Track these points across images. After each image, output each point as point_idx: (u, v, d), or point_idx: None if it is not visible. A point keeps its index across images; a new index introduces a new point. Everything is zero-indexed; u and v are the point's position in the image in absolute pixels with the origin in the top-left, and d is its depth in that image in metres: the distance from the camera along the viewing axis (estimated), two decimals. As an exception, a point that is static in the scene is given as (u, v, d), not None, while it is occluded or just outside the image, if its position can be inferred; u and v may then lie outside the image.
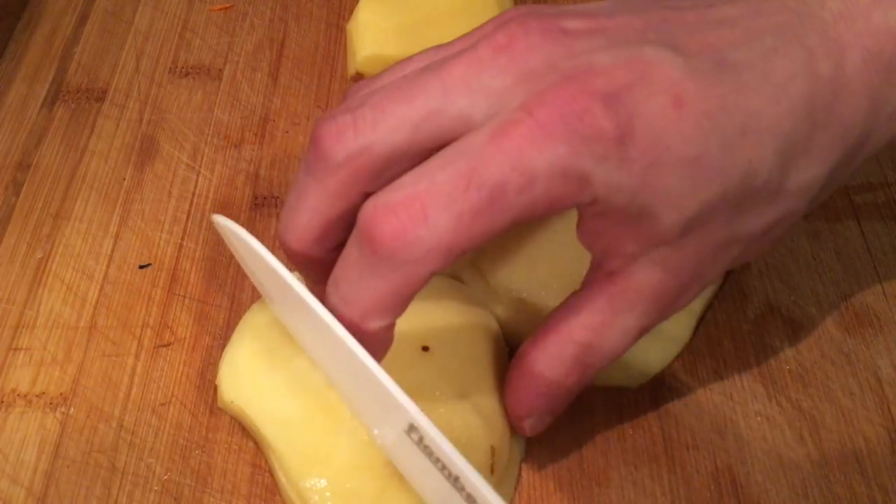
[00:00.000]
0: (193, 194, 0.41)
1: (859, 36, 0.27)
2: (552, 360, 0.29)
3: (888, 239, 0.38)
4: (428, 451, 0.26)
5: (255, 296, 0.37)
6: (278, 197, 0.41)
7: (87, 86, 0.46)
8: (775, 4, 0.27)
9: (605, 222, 0.27)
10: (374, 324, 0.26)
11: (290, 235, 0.29)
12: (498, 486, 0.30)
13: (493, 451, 0.30)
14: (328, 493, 0.30)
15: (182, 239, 0.40)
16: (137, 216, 0.40)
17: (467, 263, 0.36)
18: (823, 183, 0.28)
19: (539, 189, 0.24)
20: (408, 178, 0.25)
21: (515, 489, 0.32)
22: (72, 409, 0.35)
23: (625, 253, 0.27)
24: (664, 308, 0.29)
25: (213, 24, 0.48)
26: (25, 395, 0.35)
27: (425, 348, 0.31)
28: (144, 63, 0.47)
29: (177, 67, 0.46)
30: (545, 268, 0.35)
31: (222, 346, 0.34)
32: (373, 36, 0.39)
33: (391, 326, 0.27)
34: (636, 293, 0.28)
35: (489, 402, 0.31)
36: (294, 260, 0.29)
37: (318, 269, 0.29)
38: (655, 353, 0.34)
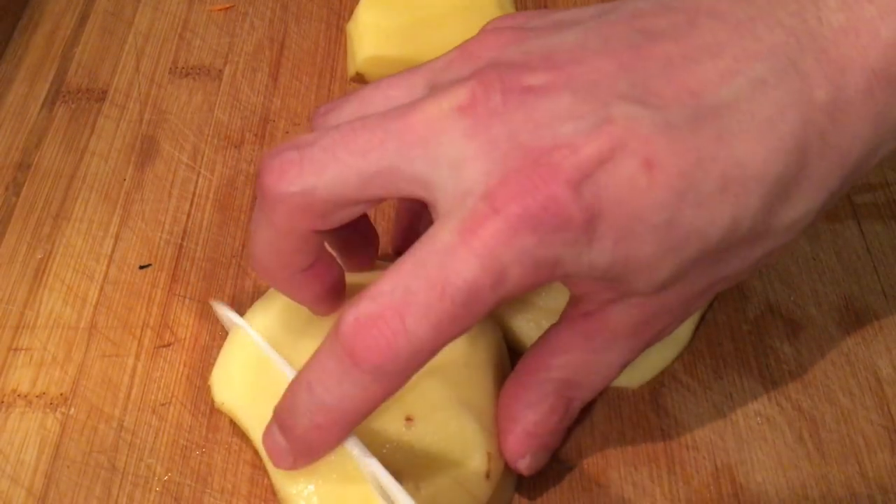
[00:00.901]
0: (193, 195, 0.41)
1: (863, 53, 0.25)
2: (535, 400, 0.29)
3: (888, 239, 0.38)
4: None
5: (255, 296, 0.37)
6: (278, 197, 0.41)
7: (87, 86, 0.46)
8: (768, 22, 0.25)
9: (581, 286, 0.27)
10: (345, 428, 0.27)
11: (254, 263, 0.29)
12: (496, 493, 0.30)
13: (489, 457, 0.30)
14: (314, 499, 0.29)
15: (182, 239, 0.40)
16: (137, 216, 0.40)
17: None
18: (819, 212, 0.27)
19: (511, 282, 0.24)
20: (383, 286, 0.24)
21: (515, 491, 0.32)
22: (72, 410, 0.35)
23: (601, 298, 0.27)
24: (646, 341, 0.29)
25: (213, 25, 0.48)
26: (25, 396, 0.35)
27: None
28: (144, 63, 0.47)
29: (177, 68, 0.46)
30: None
31: (222, 347, 0.34)
32: (373, 36, 0.39)
33: (350, 432, 0.28)
34: (613, 333, 0.28)
35: (487, 407, 0.31)
36: (267, 281, 0.30)
37: (292, 287, 0.30)
38: (655, 353, 0.34)
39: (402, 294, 0.24)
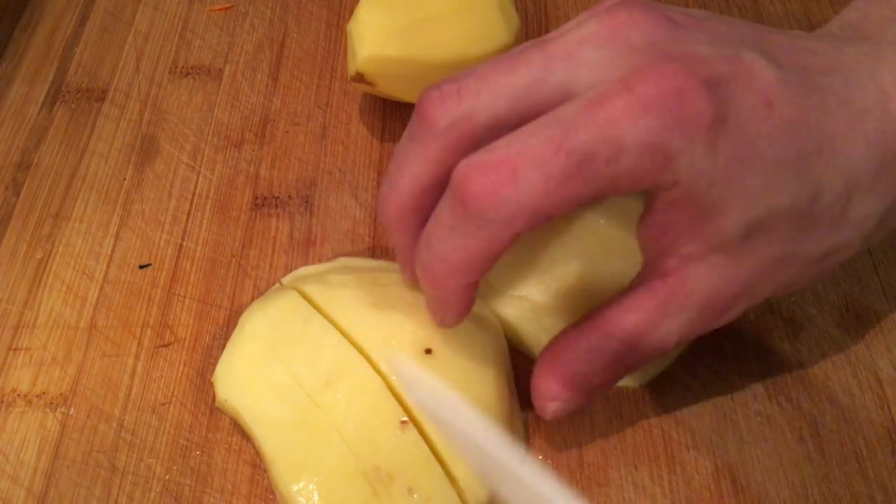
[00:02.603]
0: (193, 194, 0.41)
1: None
2: (590, 352, 0.29)
3: (888, 239, 0.38)
4: None
5: (255, 295, 0.37)
6: (278, 197, 0.41)
7: (87, 86, 0.46)
8: (854, 48, 0.28)
9: (673, 214, 0.27)
10: (460, 281, 0.28)
11: (390, 202, 0.29)
12: (491, 496, 0.30)
13: None
14: (316, 498, 0.29)
15: (182, 239, 0.40)
16: (137, 216, 0.40)
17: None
18: (878, 221, 0.28)
19: (626, 162, 0.25)
20: (501, 142, 0.26)
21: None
22: (72, 409, 0.35)
23: (684, 253, 0.28)
24: (710, 318, 0.29)
25: (213, 25, 0.48)
26: (25, 395, 0.35)
27: (428, 351, 0.31)
28: (144, 63, 0.47)
29: (177, 68, 0.46)
30: (548, 270, 0.35)
31: (222, 346, 0.34)
32: (373, 36, 0.39)
33: (475, 285, 0.28)
34: (687, 298, 0.28)
35: (489, 406, 0.31)
36: (390, 230, 0.30)
37: (409, 241, 0.30)
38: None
39: (519, 147, 0.25)
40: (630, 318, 0.29)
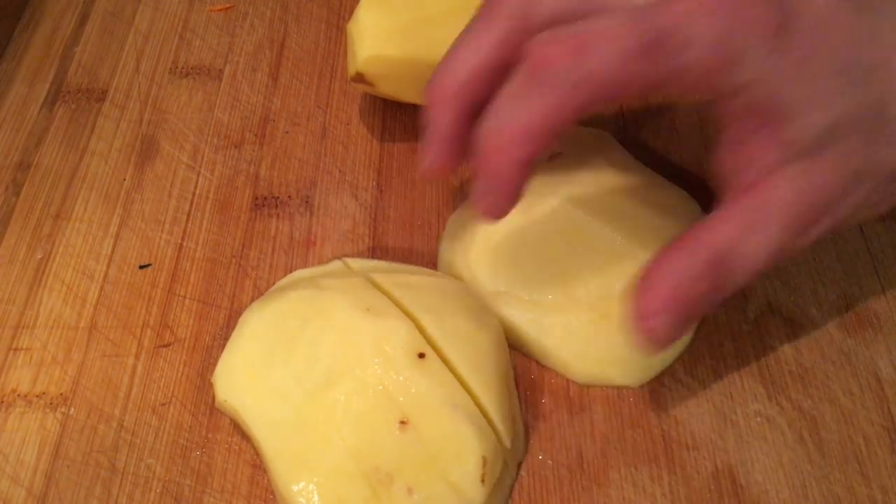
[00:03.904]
0: (193, 194, 0.41)
1: None
2: (683, 265, 0.28)
3: (888, 239, 0.38)
4: None
5: (255, 295, 0.37)
6: (278, 197, 0.41)
7: (87, 86, 0.46)
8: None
9: (746, 126, 0.28)
10: (520, 152, 0.28)
11: (443, 78, 0.30)
12: (490, 497, 0.30)
13: (484, 461, 0.30)
14: (316, 498, 0.29)
15: (182, 239, 0.40)
16: (137, 216, 0.41)
17: (468, 264, 0.36)
18: None
19: (694, 53, 0.25)
20: (575, 23, 0.26)
21: (512, 493, 0.32)
22: (72, 410, 0.35)
23: (765, 163, 0.28)
24: (796, 233, 0.29)
25: (213, 25, 0.48)
26: (25, 396, 0.35)
27: (421, 356, 0.31)
28: (144, 63, 0.47)
29: (177, 68, 0.46)
30: (549, 270, 0.35)
31: (222, 346, 0.34)
32: (373, 36, 0.39)
33: (531, 165, 0.28)
34: (774, 206, 0.28)
35: (487, 407, 0.31)
36: (436, 107, 0.30)
37: (451, 120, 0.30)
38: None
39: (594, 26, 0.26)
40: (718, 233, 0.28)
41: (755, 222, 0.28)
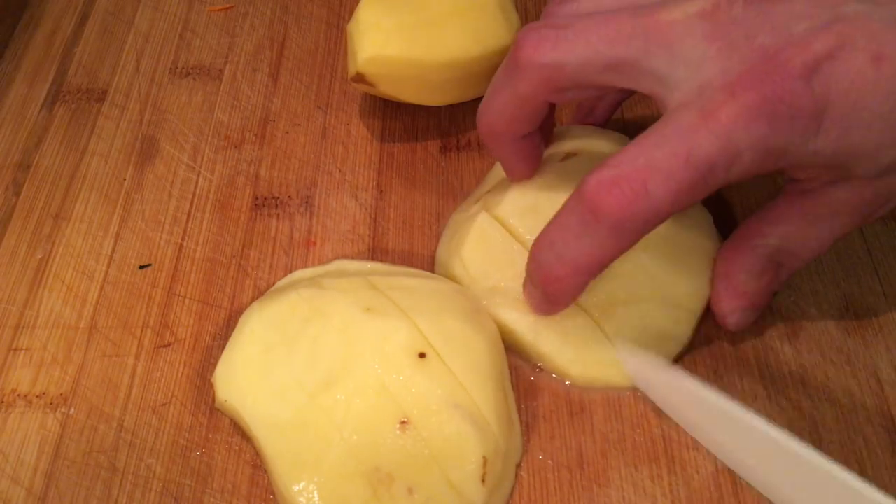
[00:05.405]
0: (194, 195, 0.41)
1: None
2: (748, 263, 0.33)
3: (888, 239, 0.38)
4: None
5: (255, 296, 0.37)
6: (278, 197, 0.41)
7: (87, 86, 0.46)
8: None
9: (801, 169, 0.29)
10: (583, 279, 0.30)
11: (481, 121, 0.34)
12: (490, 497, 0.30)
13: (484, 461, 0.30)
14: (316, 498, 0.29)
15: (182, 239, 0.40)
16: (137, 216, 0.41)
17: (463, 260, 0.36)
18: None
19: (741, 166, 0.27)
20: (625, 156, 0.27)
21: (512, 494, 0.32)
22: (72, 410, 0.35)
23: (823, 180, 0.30)
24: (862, 219, 0.31)
25: (213, 25, 0.48)
26: (25, 396, 0.35)
27: (422, 355, 0.31)
28: (145, 63, 0.47)
29: (177, 68, 0.46)
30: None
31: (222, 346, 0.34)
32: (373, 36, 0.39)
33: (584, 287, 0.31)
34: (832, 210, 0.30)
35: (484, 409, 0.31)
36: (492, 143, 0.34)
37: (507, 150, 0.35)
38: (655, 352, 0.34)
39: (646, 161, 0.27)
40: (776, 229, 0.32)
41: (813, 221, 0.31)
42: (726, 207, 0.39)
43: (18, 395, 0.35)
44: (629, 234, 0.28)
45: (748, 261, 0.33)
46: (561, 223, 0.29)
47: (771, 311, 0.36)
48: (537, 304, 0.33)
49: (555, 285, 0.30)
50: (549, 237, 0.30)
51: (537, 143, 0.35)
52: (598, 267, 0.29)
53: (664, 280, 0.34)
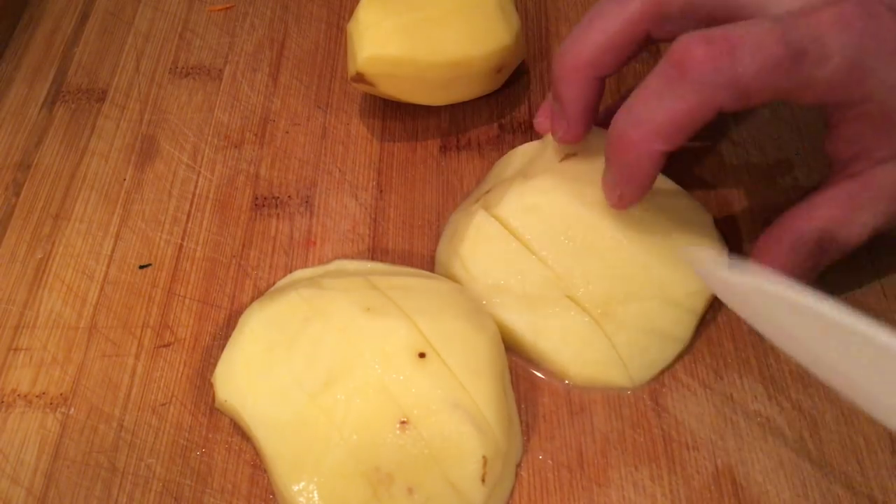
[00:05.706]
0: (194, 194, 0.41)
1: None
2: (793, 244, 0.32)
3: (888, 239, 0.38)
4: None
5: (255, 295, 0.37)
6: (278, 197, 0.41)
7: (87, 86, 0.46)
8: None
9: (862, 127, 0.30)
10: (657, 146, 0.29)
11: (572, 51, 0.32)
12: (490, 496, 0.30)
13: (484, 461, 0.30)
14: (316, 498, 0.29)
15: (182, 239, 0.40)
16: (138, 216, 0.41)
17: (462, 259, 0.36)
18: None
19: (829, 68, 0.27)
20: (722, 26, 0.28)
21: (512, 493, 0.32)
22: (72, 410, 0.35)
23: (874, 157, 0.30)
24: None
25: (213, 25, 0.48)
26: (25, 396, 0.35)
27: (422, 355, 0.31)
28: (144, 63, 0.47)
29: (177, 68, 0.46)
30: (545, 273, 0.35)
31: (222, 346, 0.34)
32: (373, 36, 0.39)
33: (664, 158, 0.30)
34: (878, 191, 0.30)
35: (484, 409, 0.31)
36: (562, 81, 0.33)
37: (579, 91, 0.33)
38: (655, 353, 0.34)
39: (742, 31, 0.27)
40: (822, 213, 0.32)
41: (861, 202, 0.31)
42: (726, 207, 0.39)
43: (18, 395, 0.35)
44: (710, 91, 0.28)
45: (793, 243, 0.32)
46: (644, 87, 0.29)
47: (771, 310, 0.36)
48: (612, 188, 0.32)
49: (629, 153, 0.30)
50: (629, 104, 0.30)
51: (598, 102, 0.34)
52: (677, 128, 0.29)
53: (665, 280, 0.34)
